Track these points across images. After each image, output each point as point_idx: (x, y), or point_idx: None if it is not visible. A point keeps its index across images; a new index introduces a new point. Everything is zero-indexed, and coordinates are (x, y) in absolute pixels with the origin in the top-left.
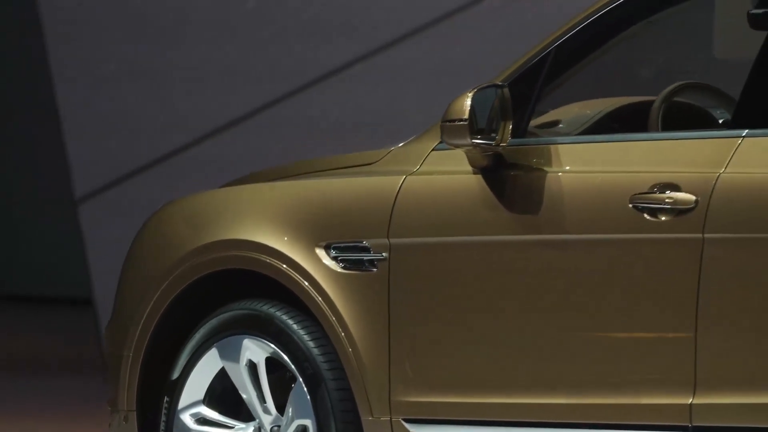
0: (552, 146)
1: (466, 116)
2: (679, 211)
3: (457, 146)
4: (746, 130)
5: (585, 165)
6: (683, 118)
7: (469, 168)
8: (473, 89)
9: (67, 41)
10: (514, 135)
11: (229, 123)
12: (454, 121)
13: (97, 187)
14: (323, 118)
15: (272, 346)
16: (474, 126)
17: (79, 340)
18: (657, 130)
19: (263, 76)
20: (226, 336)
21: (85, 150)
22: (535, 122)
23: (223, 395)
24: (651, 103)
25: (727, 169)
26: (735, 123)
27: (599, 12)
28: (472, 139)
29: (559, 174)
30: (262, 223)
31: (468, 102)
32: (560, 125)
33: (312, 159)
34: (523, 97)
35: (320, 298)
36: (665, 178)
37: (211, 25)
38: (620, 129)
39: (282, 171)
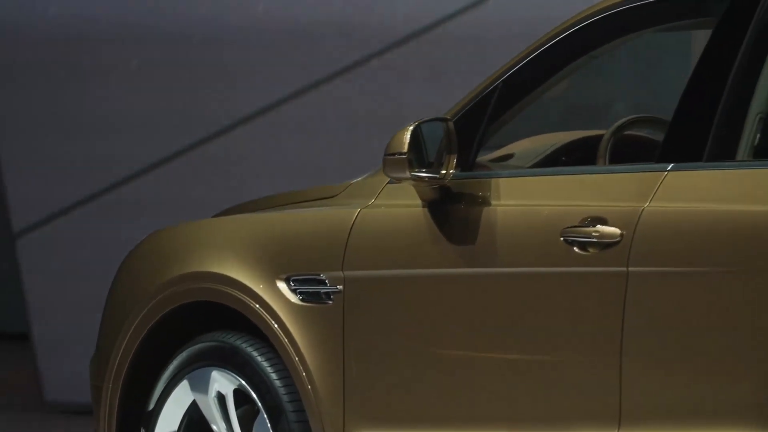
0: (494, 180)
1: (405, 150)
2: (605, 244)
3: (397, 179)
4: (671, 164)
5: (523, 198)
6: (632, 151)
7: (419, 201)
8: (414, 123)
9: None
10: (463, 168)
11: (162, 160)
12: (393, 154)
13: (35, 221)
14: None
15: (238, 378)
16: (412, 159)
17: (16, 375)
18: (605, 164)
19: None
20: (196, 368)
21: (23, 184)
22: (491, 156)
23: (198, 426)
24: (602, 136)
25: (651, 203)
26: (661, 157)
27: (543, 47)
28: (410, 172)
29: (498, 208)
30: (227, 255)
31: (407, 136)
32: (513, 158)
33: (279, 193)
34: (473, 131)
35: (279, 330)
36: (594, 211)
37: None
38: (570, 162)
39: (253, 205)
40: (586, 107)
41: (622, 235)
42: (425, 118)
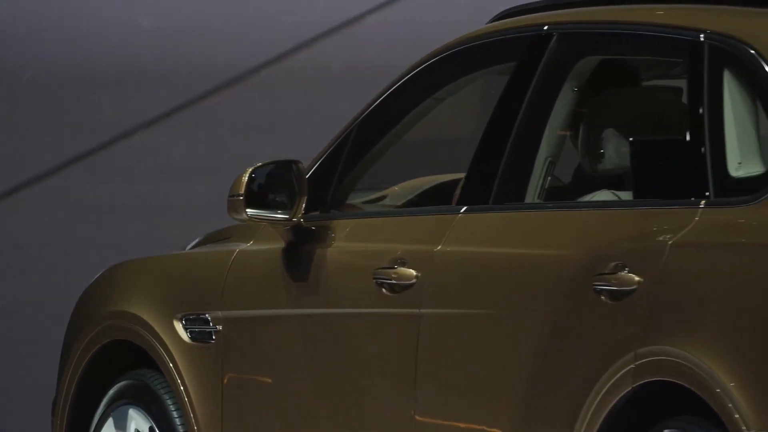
0: (336, 221)
1: (242, 191)
2: (404, 286)
3: (238, 220)
4: (465, 207)
5: (353, 240)
6: None
7: (283, 243)
8: (256, 165)
9: None
10: (322, 210)
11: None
12: (233, 196)
13: None
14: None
15: (148, 415)
16: (249, 201)
17: None
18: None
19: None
20: (119, 405)
21: None
22: (367, 197)
23: None
24: None
25: (443, 246)
26: (459, 199)
27: (390, 90)
28: (246, 213)
29: (332, 249)
30: (141, 295)
31: (245, 178)
32: (385, 199)
33: (213, 231)
34: (331, 174)
35: (172, 368)
36: (400, 253)
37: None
38: (432, 204)
39: (207, 238)
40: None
41: (417, 277)
42: (270, 161)
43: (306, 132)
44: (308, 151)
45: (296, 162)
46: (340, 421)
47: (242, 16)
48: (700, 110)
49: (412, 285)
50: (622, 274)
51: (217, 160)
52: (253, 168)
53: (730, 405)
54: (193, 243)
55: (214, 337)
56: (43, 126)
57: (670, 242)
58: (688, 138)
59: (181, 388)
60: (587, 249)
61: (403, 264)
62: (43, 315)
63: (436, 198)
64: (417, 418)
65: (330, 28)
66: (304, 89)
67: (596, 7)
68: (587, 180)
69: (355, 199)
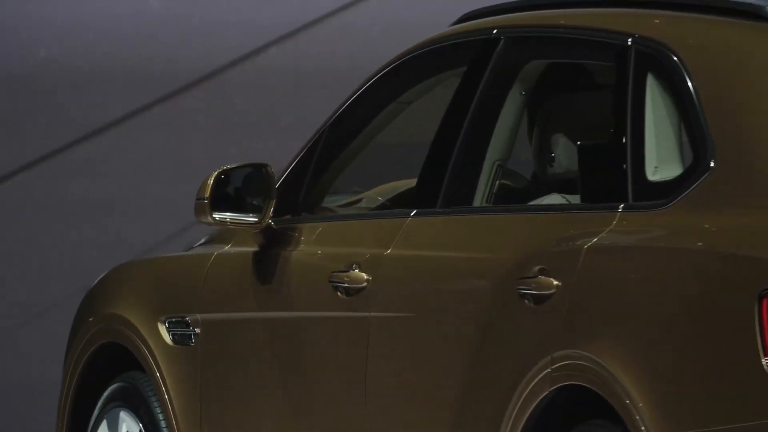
0: (302, 225)
1: (207, 194)
2: (357, 289)
3: (204, 223)
4: (414, 211)
5: (316, 243)
6: None
7: (256, 246)
8: (223, 168)
9: None
10: (293, 213)
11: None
12: (200, 198)
13: None
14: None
15: (136, 418)
16: (214, 204)
17: None
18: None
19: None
20: (111, 408)
21: None
22: (345, 200)
23: None
24: None
25: (392, 250)
26: (410, 203)
27: (357, 94)
28: (210, 216)
29: (295, 252)
30: (130, 297)
31: (210, 181)
32: (361, 203)
33: (215, 233)
34: (302, 177)
35: (156, 371)
36: (353, 257)
37: None
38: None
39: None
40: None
41: (368, 280)
42: (237, 164)
43: (271, 133)
44: (274, 152)
45: (265, 165)
46: (300, 422)
47: (209, 16)
48: (625, 115)
49: (363, 288)
50: (542, 278)
51: (183, 161)
52: (219, 171)
53: (633, 410)
54: (197, 244)
55: (193, 340)
56: (8, 127)
57: (585, 246)
58: (612, 142)
59: (164, 390)
60: (513, 253)
61: (357, 268)
62: (17, 314)
63: (406, 202)
64: (367, 421)
65: (296, 28)
66: (270, 90)
67: (544, 10)
68: (538, 183)
69: (332, 203)
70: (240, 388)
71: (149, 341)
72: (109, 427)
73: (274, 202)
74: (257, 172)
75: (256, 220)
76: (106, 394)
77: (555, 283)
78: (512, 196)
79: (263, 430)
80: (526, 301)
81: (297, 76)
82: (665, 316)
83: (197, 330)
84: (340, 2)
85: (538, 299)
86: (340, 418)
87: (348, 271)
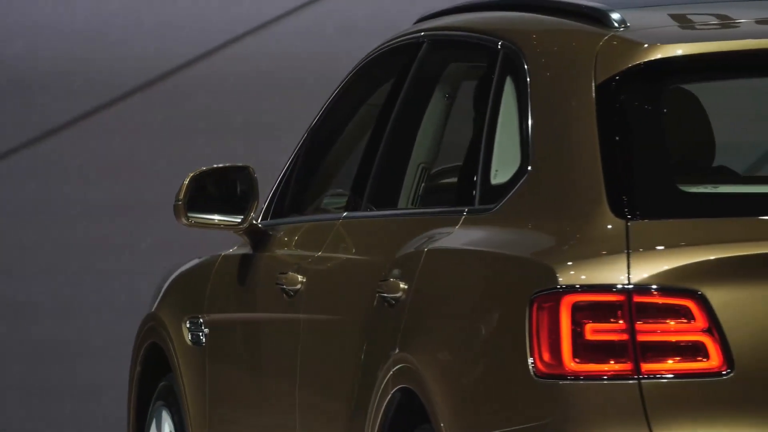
0: (278, 227)
1: (182, 196)
2: (294, 291)
3: (184, 225)
4: (345, 213)
5: (279, 245)
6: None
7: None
8: (200, 170)
9: None
10: (281, 215)
11: None
12: (177, 200)
13: None
14: None
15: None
16: (192, 206)
17: None
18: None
19: None
20: (157, 407)
21: None
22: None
23: None
24: None
25: (322, 252)
26: (346, 206)
27: (332, 97)
28: (184, 218)
29: (263, 254)
30: (168, 298)
31: (185, 182)
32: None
33: None
34: (288, 179)
35: (178, 370)
36: (296, 259)
37: None
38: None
39: None
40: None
41: (302, 282)
42: (217, 165)
43: (223, 135)
44: (226, 153)
45: (247, 167)
46: (257, 418)
47: (160, 18)
48: (484, 119)
49: (298, 290)
50: (393, 281)
51: (128, 164)
52: (194, 173)
53: (437, 415)
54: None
55: (204, 340)
56: None
57: (425, 250)
58: (472, 146)
59: (183, 389)
60: (378, 256)
61: (296, 270)
62: None
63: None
64: (298, 418)
65: (249, 30)
66: (222, 92)
67: (471, 13)
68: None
69: (321, 204)
70: (226, 388)
71: (174, 341)
72: (156, 425)
73: (257, 203)
74: (240, 174)
75: (239, 221)
76: (156, 393)
77: (402, 285)
78: (436, 198)
79: (254, 413)
80: (385, 303)
81: (249, 78)
82: (461, 319)
83: (206, 330)
84: (294, 3)
85: (391, 302)
86: (281, 415)
87: (287, 273)
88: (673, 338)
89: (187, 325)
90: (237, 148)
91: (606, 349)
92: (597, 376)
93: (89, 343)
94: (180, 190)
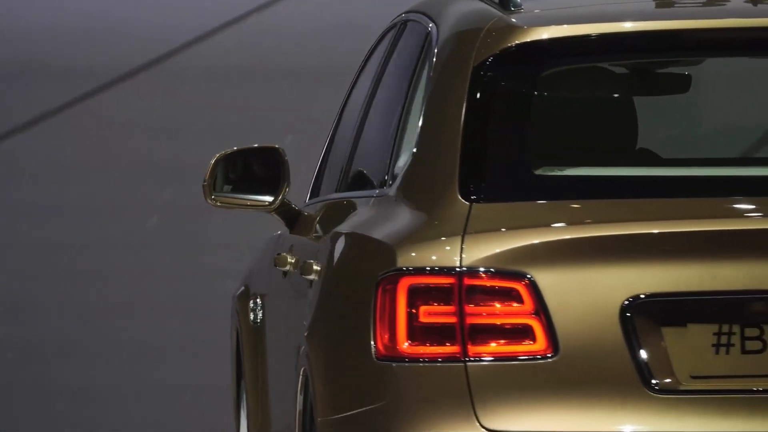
0: (306, 209)
1: (207, 177)
2: (285, 272)
3: (212, 205)
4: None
5: (297, 226)
6: None
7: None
8: (230, 150)
9: None
10: (312, 195)
11: None
12: (204, 182)
13: None
14: None
15: None
16: (212, 186)
17: None
18: None
19: None
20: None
21: None
22: None
23: None
24: None
25: (307, 235)
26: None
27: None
28: (209, 198)
29: (283, 234)
30: (249, 276)
31: (212, 162)
32: None
33: None
34: (323, 162)
35: (242, 349)
36: (290, 240)
37: None
38: None
39: None
40: None
41: (291, 263)
42: (248, 147)
43: (187, 132)
44: (190, 150)
45: (276, 148)
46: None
47: (124, 15)
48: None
49: (287, 271)
50: (309, 263)
51: (98, 161)
52: (221, 154)
53: (314, 395)
54: None
55: (258, 320)
56: None
57: (332, 232)
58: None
59: (244, 369)
60: (312, 240)
61: (288, 250)
62: None
63: None
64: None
65: (212, 29)
66: (186, 90)
67: None
68: None
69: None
70: (256, 369)
71: (242, 322)
72: (245, 410)
73: (287, 183)
74: (270, 154)
75: (269, 202)
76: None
77: (315, 267)
78: (368, 181)
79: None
80: (307, 284)
81: (213, 76)
82: (335, 301)
83: (260, 311)
84: (256, 2)
85: (308, 283)
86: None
87: (281, 254)
88: (502, 321)
89: (250, 305)
90: (202, 144)
91: (437, 332)
92: (427, 359)
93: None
94: (206, 171)
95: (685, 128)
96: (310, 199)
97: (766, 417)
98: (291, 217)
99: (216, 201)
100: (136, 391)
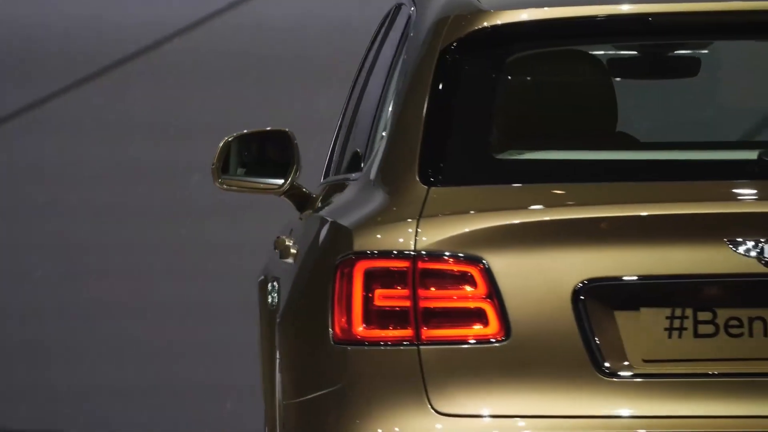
0: (322, 187)
1: (216, 160)
2: (286, 254)
3: (219, 188)
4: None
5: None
6: None
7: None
8: (238, 133)
9: None
10: (325, 177)
11: None
12: (212, 165)
13: None
14: None
15: None
16: (220, 169)
17: None
18: None
19: None
20: None
21: None
22: None
23: None
24: None
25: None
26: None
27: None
28: (216, 181)
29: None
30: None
31: (220, 144)
32: None
33: None
34: (334, 144)
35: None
36: (290, 223)
37: None
38: None
39: None
40: None
41: (287, 245)
42: (257, 130)
43: (168, 129)
44: (171, 147)
45: (286, 131)
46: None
47: (105, 11)
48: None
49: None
50: (288, 244)
51: (77, 159)
52: (229, 137)
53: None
54: None
55: (274, 302)
56: None
57: (307, 215)
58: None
59: (260, 351)
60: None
61: (289, 233)
62: None
63: None
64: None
65: (191, 23)
66: (167, 86)
67: None
68: None
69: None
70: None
71: (261, 305)
72: None
73: (297, 166)
74: (279, 138)
75: (279, 185)
76: None
77: (292, 251)
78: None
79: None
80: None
81: (193, 72)
82: (301, 283)
83: (275, 294)
84: None
85: (288, 265)
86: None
87: (280, 237)
88: (454, 305)
89: (269, 288)
90: (184, 140)
91: (391, 316)
92: (381, 343)
93: None
94: (215, 155)
95: (645, 113)
96: (324, 179)
97: (719, 400)
98: (301, 200)
99: (223, 184)
100: (142, 391)
